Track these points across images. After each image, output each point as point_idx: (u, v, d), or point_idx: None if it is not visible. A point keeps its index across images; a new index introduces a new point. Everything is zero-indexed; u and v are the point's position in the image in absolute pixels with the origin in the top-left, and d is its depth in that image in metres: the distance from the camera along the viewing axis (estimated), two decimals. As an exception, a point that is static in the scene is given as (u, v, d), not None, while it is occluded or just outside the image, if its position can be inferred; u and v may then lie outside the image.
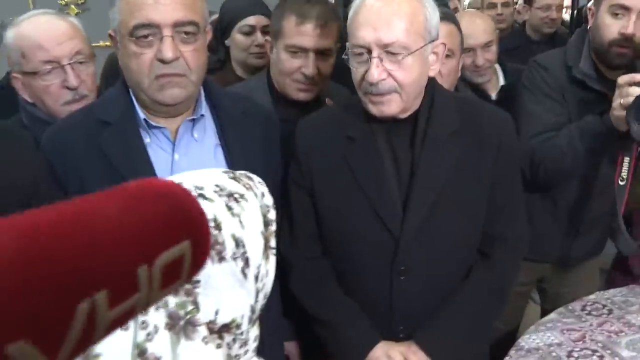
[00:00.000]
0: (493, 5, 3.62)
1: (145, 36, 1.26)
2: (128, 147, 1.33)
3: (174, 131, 1.38)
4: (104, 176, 1.30)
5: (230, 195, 0.85)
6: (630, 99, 1.58)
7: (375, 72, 1.31)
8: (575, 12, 3.57)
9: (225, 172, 0.91)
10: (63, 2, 4.56)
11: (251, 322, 0.90)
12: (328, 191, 1.47)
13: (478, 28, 2.18)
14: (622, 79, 1.63)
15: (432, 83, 1.44)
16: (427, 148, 1.40)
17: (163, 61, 1.26)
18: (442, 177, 1.40)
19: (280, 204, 1.57)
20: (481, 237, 1.49)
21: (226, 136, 1.42)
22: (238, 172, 0.93)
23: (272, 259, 0.93)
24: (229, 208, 0.83)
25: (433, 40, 1.37)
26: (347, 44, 1.38)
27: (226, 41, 2.19)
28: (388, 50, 1.31)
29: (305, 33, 1.69)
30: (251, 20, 2.11)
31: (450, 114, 1.44)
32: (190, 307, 0.79)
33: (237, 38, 2.15)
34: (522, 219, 1.56)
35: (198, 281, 0.79)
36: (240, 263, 0.82)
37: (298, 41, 1.70)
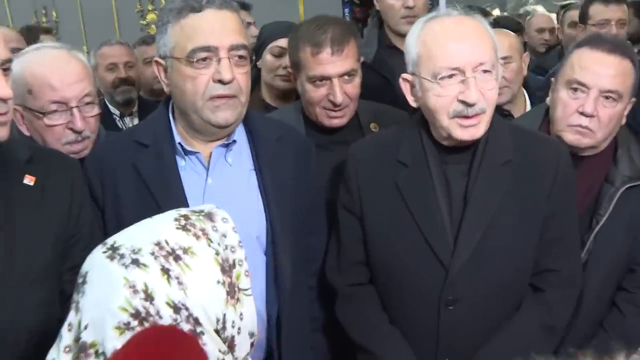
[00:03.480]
0: (542, 30, 3.51)
1: (204, 59, 1.32)
2: (162, 170, 1.39)
3: (207, 156, 1.42)
4: (138, 196, 1.38)
5: (170, 254, 0.83)
6: None
7: (474, 93, 1.31)
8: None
9: (176, 220, 0.88)
10: (144, 23, 4.77)
11: None
12: (377, 217, 1.46)
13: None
14: None
15: None
16: (481, 177, 1.38)
17: (222, 82, 1.33)
18: (494, 206, 1.38)
19: (329, 227, 1.60)
20: (533, 270, 1.45)
21: (260, 161, 1.46)
22: (194, 216, 0.90)
23: (247, 300, 0.90)
24: (165, 271, 0.81)
25: None
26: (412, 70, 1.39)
27: (258, 62, 2.18)
28: (483, 70, 1.32)
29: (323, 62, 1.66)
30: (282, 42, 2.06)
31: (506, 143, 1.42)
32: None
33: (267, 59, 2.14)
34: (577, 253, 1.50)
35: None
36: (187, 326, 0.80)
37: (319, 71, 1.68)
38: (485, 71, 1.32)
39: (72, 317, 0.83)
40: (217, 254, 0.86)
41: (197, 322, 0.81)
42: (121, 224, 1.32)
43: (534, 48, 3.59)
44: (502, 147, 1.41)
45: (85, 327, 0.80)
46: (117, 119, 2.82)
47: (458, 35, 1.33)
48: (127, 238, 0.86)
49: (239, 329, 0.88)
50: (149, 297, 0.79)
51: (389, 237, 1.45)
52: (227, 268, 0.87)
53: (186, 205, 1.36)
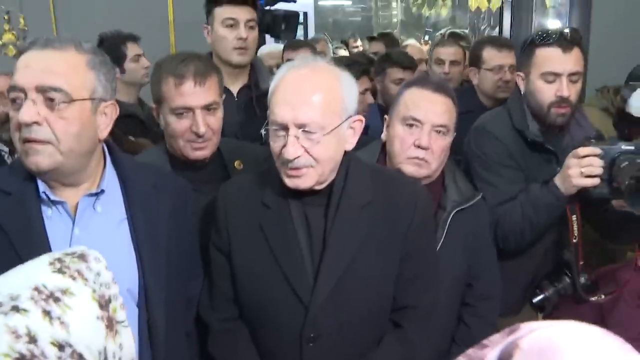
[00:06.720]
0: (441, 62, 3.26)
1: (14, 99, 1.27)
2: (25, 220, 1.31)
3: (74, 205, 1.36)
4: None
5: (49, 296, 0.86)
6: (596, 170, 1.71)
7: (292, 150, 1.35)
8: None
9: (51, 264, 0.92)
10: (0, 43, 4.36)
11: None
12: (243, 255, 1.51)
13: None
14: (583, 150, 1.71)
15: (348, 156, 1.48)
16: (339, 219, 1.44)
17: (21, 124, 1.25)
18: (353, 247, 1.43)
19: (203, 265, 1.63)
20: (393, 306, 1.51)
21: (133, 211, 1.42)
22: (68, 258, 0.93)
23: (125, 331, 0.95)
24: (47, 313, 0.85)
25: (350, 116, 1.42)
26: (268, 113, 1.41)
27: None
28: (304, 130, 1.35)
29: (186, 93, 1.68)
30: None
31: (365, 186, 1.47)
32: None
33: None
34: (434, 287, 1.57)
35: None
36: None
37: (181, 102, 1.68)
38: (307, 132, 1.35)
39: None
40: (94, 291, 0.91)
41: (81, 357, 0.85)
42: None
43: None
44: (362, 190, 1.46)
45: None
46: (6, 155, 2.60)
47: (292, 93, 1.36)
48: (2, 286, 0.88)
49: (120, 358, 0.93)
50: (32, 340, 0.82)
51: (254, 276, 1.49)
52: (104, 304, 0.91)
53: None
